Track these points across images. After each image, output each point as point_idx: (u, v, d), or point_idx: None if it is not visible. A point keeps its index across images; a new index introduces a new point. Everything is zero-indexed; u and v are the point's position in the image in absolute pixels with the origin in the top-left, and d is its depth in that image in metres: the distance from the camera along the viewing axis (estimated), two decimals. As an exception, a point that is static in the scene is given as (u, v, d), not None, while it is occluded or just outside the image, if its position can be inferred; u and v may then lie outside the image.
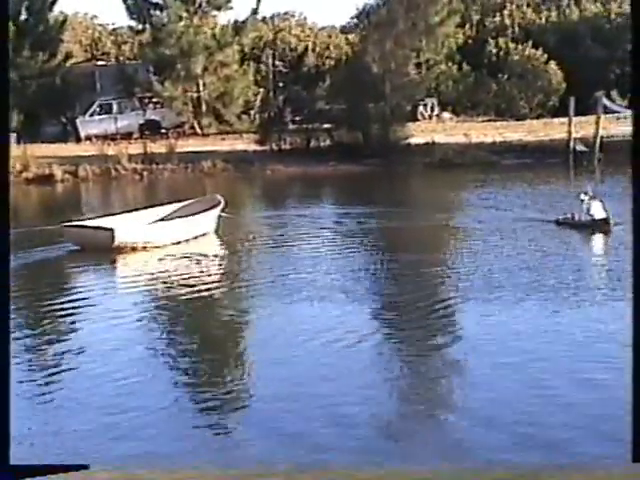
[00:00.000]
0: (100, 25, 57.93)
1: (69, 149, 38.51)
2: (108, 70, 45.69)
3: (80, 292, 15.81)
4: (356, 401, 9.85)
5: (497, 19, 53.01)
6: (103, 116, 42.02)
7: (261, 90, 44.96)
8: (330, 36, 55.72)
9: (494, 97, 47.59)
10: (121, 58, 50.39)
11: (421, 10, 37.81)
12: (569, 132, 34.86)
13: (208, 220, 20.95)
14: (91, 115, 42.04)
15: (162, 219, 20.84)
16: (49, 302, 15.05)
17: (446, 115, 46.11)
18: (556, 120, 41.49)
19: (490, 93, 47.70)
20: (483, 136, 38.35)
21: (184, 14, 41.92)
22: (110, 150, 35.71)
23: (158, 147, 36.62)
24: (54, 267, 18.60)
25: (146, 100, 43.22)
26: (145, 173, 34.52)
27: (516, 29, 51.94)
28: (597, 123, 33.85)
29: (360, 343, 12.00)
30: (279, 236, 21.25)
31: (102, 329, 13.27)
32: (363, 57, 38.59)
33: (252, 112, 43.53)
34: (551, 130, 39.52)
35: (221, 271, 18.12)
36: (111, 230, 18.83)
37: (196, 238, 20.36)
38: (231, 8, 44.07)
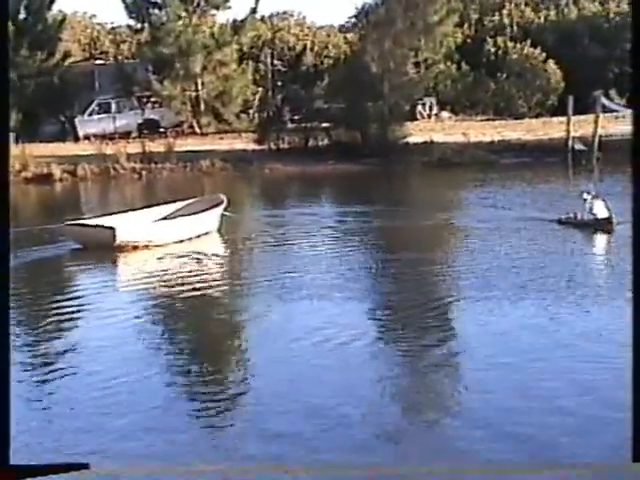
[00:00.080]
0: (99, 24, 57.97)
1: (68, 148, 38.46)
2: (107, 69, 45.63)
3: (80, 290, 15.80)
4: (351, 401, 9.85)
5: (496, 18, 53.07)
6: (102, 115, 42.01)
7: (260, 89, 44.92)
8: (329, 35, 55.79)
9: (493, 96, 47.61)
10: (120, 57, 50.30)
11: (420, 9, 37.81)
12: (568, 131, 34.85)
13: (211, 219, 20.92)
14: (90, 114, 42.02)
15: (165, 218, 20.83)
16: (49, 301, 15.05)
17: (445, 114, 46.12)
18: (555, 119, 41.51)
19: (489, 92, 47.72)
20: (482, 135, 38.36)
21: (183, 13, 41.91)
22: (109, 149, 35.66)
23: (157, 146, 36.58)
24: (55, 265, 18.61)
25: (145, 99, 43.22)
26: (144, 172, 34.48)
27: (515, 28, 51.97)
28: (596, 122, 33.82)
29: (359, 341, 12.00)
30: (280, 235, 21.28)
31: (98, 327, 13.27)
32: (362, 56, 38.55)
33: (251, 111, 43.54)
34: (550, 129, 39.53)
35: (223, 269, 18.15)
36: (112, 229, 18.87)
37: (199, 237, 20.38)
38: (230, 7, 44.24)
